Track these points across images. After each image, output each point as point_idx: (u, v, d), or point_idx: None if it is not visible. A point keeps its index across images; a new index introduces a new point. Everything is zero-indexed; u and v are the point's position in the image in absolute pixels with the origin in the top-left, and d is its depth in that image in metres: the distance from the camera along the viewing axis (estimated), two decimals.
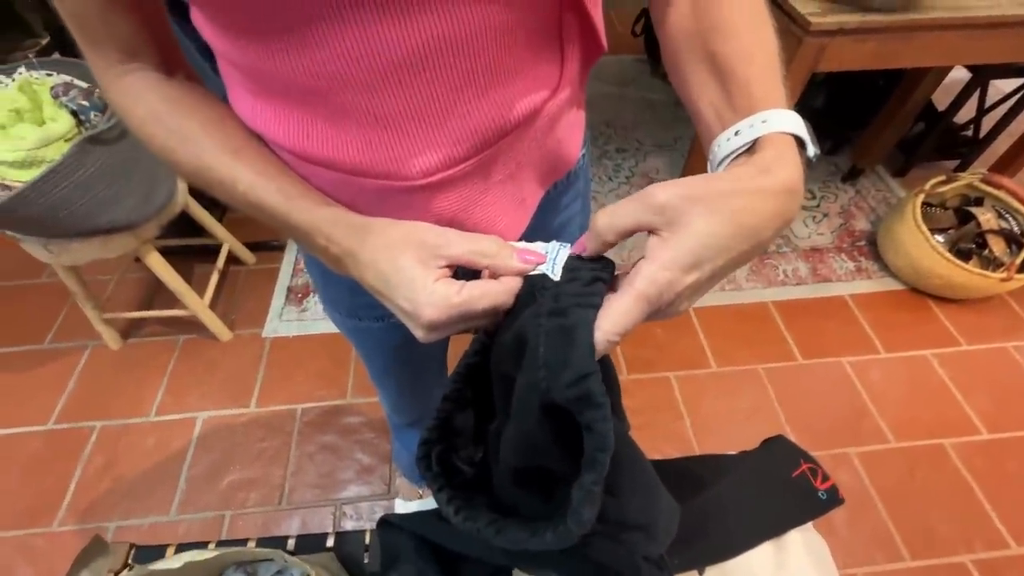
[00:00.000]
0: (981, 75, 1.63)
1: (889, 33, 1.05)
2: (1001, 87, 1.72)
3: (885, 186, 1.86)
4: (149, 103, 0.34)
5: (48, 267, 1.55)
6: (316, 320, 1.43)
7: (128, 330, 1.42)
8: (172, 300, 1.28)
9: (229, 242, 1.48)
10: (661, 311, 0.27)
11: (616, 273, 0.31)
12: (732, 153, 0.30)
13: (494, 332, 0.34)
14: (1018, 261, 1.37)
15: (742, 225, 0.26)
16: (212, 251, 1.48)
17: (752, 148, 0.29)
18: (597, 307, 0.27)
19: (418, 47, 0.28)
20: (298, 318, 1.44)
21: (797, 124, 0.29)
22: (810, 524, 0.69)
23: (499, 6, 0.28)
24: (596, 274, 0.29)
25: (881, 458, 1.23)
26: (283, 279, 1.53)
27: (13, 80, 1.00)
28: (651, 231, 0.26)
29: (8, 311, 1.47)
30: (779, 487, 0.71)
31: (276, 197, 0.33)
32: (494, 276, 0.32)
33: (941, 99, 1.78)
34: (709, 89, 0.33)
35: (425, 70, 0.29)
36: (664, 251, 0.25)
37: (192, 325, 1.39)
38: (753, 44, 0.32)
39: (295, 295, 1.49)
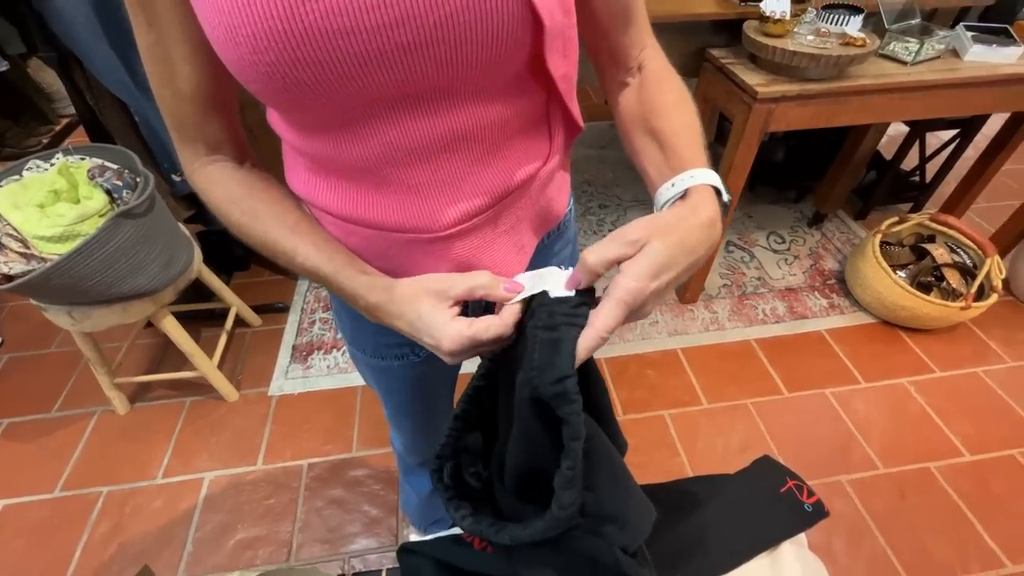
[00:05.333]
0: (916, 128, 1.83)
1: (825, 98, 1.21)
2: (942, 136, 1.92)
3: (847, 228, 2.02)
4: (228, 188, 0.43)
5: (58, 337, 1.60)
6: (320, 376, 1.49)
7: (136, 394, 1.45)
8: (180, 363, 1.33)
9: (236, 305, 1.55)
10: (635, 312, 0.35)
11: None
12: (671, 199, 0.41)
13: (498, 359, 0.43)
14: (973, 291, 1.49)
15: (684, 246, 0.36)
16: (220, 315, 1.55)
17: (684, 195, 0.40)
18: (581, 327, 0.35)
19: (441, 135, 0.38)
20: (303, 375, 1.49)
21: (714, 178, 0.41)
22: (805, 542, 0.74)
23: (498, 106, 0.39)
24: (582, 299, 0.38)
25: (872, 484, 1.27)
26: (288, 338, 1.60)
27: (52, 165, 1.11)
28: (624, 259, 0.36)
29: (18, 381, 1.50)
30: (768, 502, 0.77)
31: (328, 266, 0.43)
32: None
33: (888, 149, 1.98)
34: (652, 154, 0.45)
35: (446, 151, 0.39)
36: (633, 267, 0.34)
37: (199, 387, 1.44)
38: (682, 123, 0.44)
39: (300, 353, 1.55)
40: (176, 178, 1.42)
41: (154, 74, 0.39)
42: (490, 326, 0.39)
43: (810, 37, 1.18)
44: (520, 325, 0.40)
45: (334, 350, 1.56)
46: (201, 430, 1.38)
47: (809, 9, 1.24)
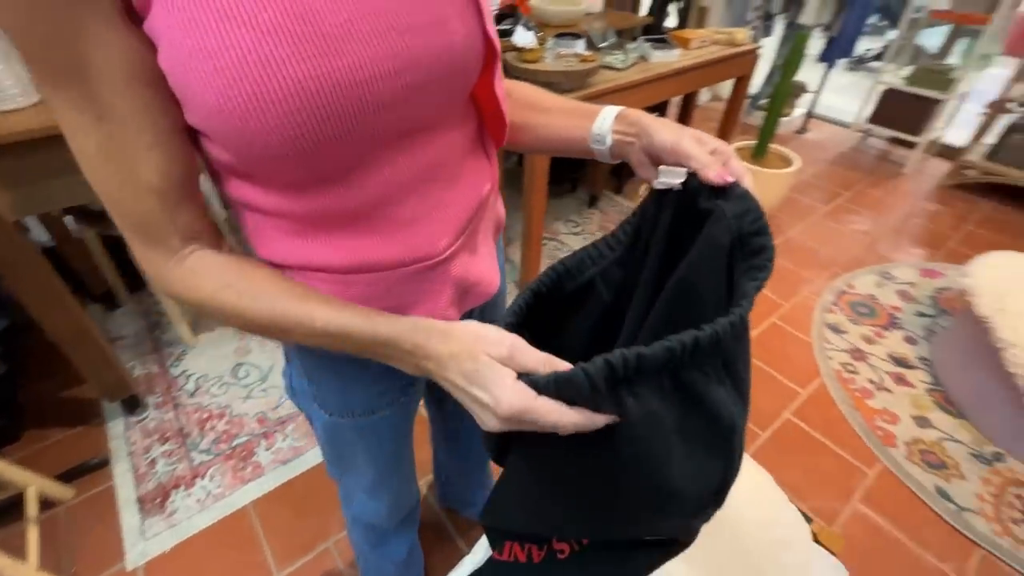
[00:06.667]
0: None
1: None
2: None
3: (615, 202, 2.52)
4: (216, 275, 0.40)
5: None
6: (193, 516, 1.23)
7: None
8: None
9: (34, 484, 1.18)
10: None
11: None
12: (608, 125, 0.50)
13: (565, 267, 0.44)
14: None
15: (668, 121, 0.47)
16: (12, 505, 1.15)
17: (618, 117, 0.50)
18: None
19: (425, 166, 0.43)
20: (168, 525, 1.21)
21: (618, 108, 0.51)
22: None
23: (455, 132, 0.46)
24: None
25: None
26: (126, 494, 1.27)
27: None
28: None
29: None
30: None
31: (357, 320, 0.39)
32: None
33: None
34: (562, 118, 0.54)
35: (430, 180, 0.44)
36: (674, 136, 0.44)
37: None
38: (551, 98, 0.57)
39: (152, 503, 1.26)
40: None
41: (106, 177, 0.35)
42: (559, 412, 0.33)
43: (556, 59, 1.49)
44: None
45: (197, 479, 1.30)
46: None
47: (547, 39, 1.55)
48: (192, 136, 0.38)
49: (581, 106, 0.54)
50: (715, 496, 0.42)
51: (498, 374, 0.35)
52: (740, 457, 0.41)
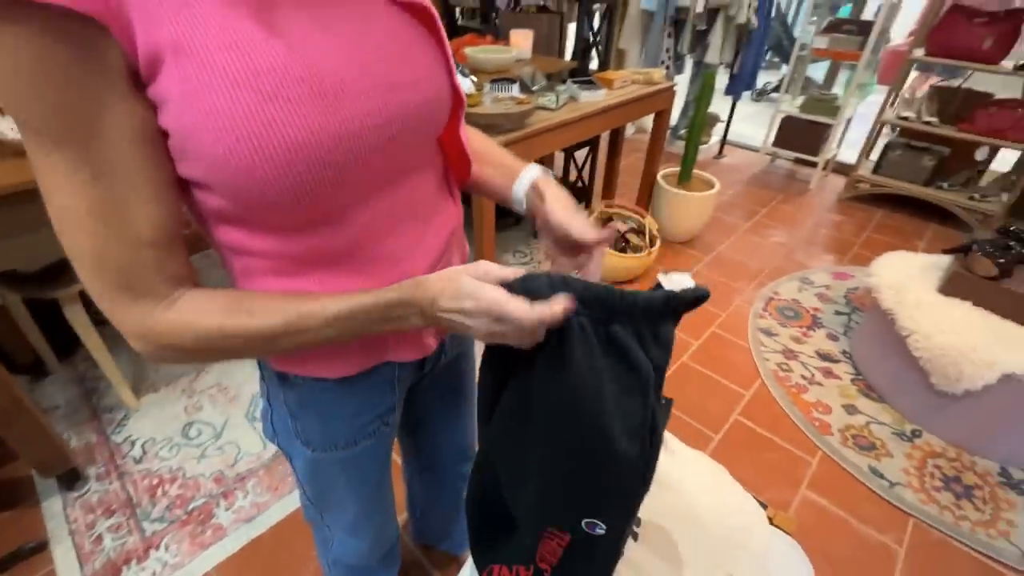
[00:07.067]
0: (567, 151, 2.57)
1: (519, 143, 1.63)
2: (580, 153, 2.72)
3: None
4: (219, 304, 0.42)
5: None
6: None
7: None
8: None
9: None
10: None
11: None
12: (525, 190, 0.60)
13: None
14: (647, 242, 2.19)
15: (566, 199, 0.57)
16: None
17: (533, 185, 0.60)
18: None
19: (402, 205, 0.48)
20: None
21: (539, 168, 0.62)
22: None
23: (427, 174, 0.52)
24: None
25: None
26: None
27: None
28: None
29: None
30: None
31: (365, 297, 0.44)
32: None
33: (559, 166, 2.69)
34: (490, 174, 0.63)
35: (407, 218, 0.50)
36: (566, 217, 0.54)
37: None
38: (492, 151, 0.65)
39: None
40: None
41: (95, 234, 0.36)
42: (528, 310, 0.42)
43: (494, 102, 1.59)
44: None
45: (151, 550, 1.22)
46: None
47: (484, 84, 1.66)
48: (181, 186, 0.41)
49: (511, 165, 0.64)
50: (642, 477, 0.50)
51: (478, 284, 0.43)
52: (657, 432, 0.49)
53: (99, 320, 1.80)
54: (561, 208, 0.57)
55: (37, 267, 1.45)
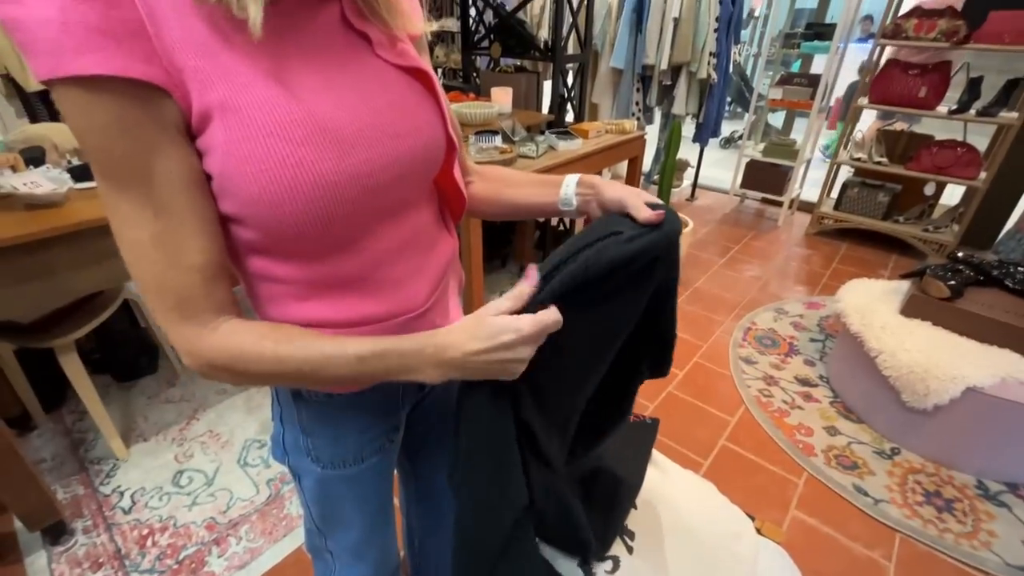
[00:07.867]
0: None
1: None
2: None
3: None
4: (254, 332, 0.47)
5: None
6: None
7: None
8: None
9: None
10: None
11: None
12: (573, 190, 0.65)
13: None
14: None
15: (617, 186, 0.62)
16: None
17: (579, 182, 0.66)
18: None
19: (407, 236, 0.55)
20: None
21: (577, 175, 0.66)
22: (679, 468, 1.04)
23: (425, 210, 0.59)
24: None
25: None
26: None
27: None
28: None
29: None
30: (626, 433, 1.08)
31: (385, 342, 0.49)
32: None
33: None
34: (531, 189, 0.69)
35: (411, 247, 0.56)
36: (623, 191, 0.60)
37: None
38: (519, 175, 0.72)
39: None
40: None
41: (157, 261, 0.43)
42: (547, 313, 0.48)
43: (479, 152, 1.71)
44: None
45: None
46: None
47: (469, 136, 1.79)
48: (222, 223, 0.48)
49: (544, 178, 0.71)
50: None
51: (506, 318, 0.48)
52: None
53: (94, 370, 1.79)
54: (613, 187, 0.61)
55: (33, 318, 1.47)
